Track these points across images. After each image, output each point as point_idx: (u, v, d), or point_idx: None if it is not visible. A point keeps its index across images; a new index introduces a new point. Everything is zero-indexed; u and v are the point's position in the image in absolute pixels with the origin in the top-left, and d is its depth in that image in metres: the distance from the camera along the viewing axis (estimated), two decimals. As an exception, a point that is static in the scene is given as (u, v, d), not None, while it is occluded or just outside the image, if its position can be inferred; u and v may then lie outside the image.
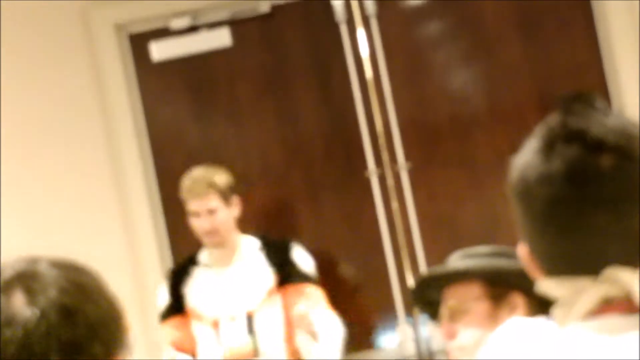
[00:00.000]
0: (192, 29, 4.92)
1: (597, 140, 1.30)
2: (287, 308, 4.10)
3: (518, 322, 1.38)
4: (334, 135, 4.90)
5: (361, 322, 4.82)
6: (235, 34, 4.92)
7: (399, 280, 4.78)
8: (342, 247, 4.86)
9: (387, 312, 4.82)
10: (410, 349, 4.74)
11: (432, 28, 4.93)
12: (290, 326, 4.08)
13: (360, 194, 4.85)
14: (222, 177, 4.20)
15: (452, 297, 2.43)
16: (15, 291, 1.36)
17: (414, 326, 4.73)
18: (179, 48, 4.90)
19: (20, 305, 1.35)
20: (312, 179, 4.91)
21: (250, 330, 4.10)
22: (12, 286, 1.37)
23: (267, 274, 4.16)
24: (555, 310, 1.35)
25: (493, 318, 2.37)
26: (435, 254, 4.66)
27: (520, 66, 4.86)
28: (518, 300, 2.37)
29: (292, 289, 4.14)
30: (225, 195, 4.17)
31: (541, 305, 2.31)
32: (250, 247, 4.26)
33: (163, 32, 4.93)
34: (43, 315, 1.34)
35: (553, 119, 1.34)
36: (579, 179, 1.29)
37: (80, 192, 4.87)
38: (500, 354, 1.33)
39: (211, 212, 4.15)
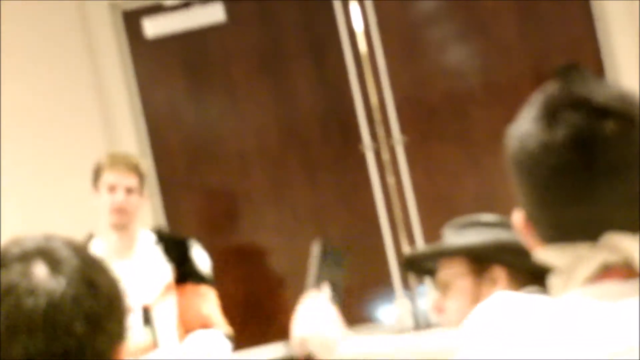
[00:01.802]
0: (185, 5, 4.91)
1: (602, 106, 1.29)
2: (181, 306, 4.03)
3: (501, 297, 1.38)
4: (329, 110, 4.90)
5: (359, 296, 4.83)
6: (229, 10, 4.90)
7: (396, 254, 4.79)
8: (339, 221, 4.87)
9: (384, 286, 4.83)
10: (408, 323, 4.76)
11: (427, 2, 4.91)
12: (182, 324, 4.02)
13: (356, 169, 4.85)
14: (144, 165, 4.12)
15: (441, 271, 2.43)
16: (37, 262, 1.35)
17: (412, 300, 4.74)
18: (172, 24, 4.88)
19: (43, 276, 1.34)
20: (308, 154, 4.90)
21: (148, 323, 4.00)
22: (32, 257, 1.36)
23: (166, 269, 4.07)
24: (553, 278, 1.35)
25: (475, 294, 2.35)
26: (432, 227, 4.66)
27: (516, 42, 4.86)
28: (499, 274, 2.35)
29: (190, 288, 4.06)
30: (142, 182, 4.06)
31: (525, 278, 2.31)
32: (147, 240, 4.15)
33: (156, 9, 4.91)
34: (69, 284, 1.33)
35: (553, 88, 1.34)
36: (586, 145, 1.28)
37: (75, 171, 4.86)
38: (488, 330, 1.32)
39: (129, 190, 4.02)
